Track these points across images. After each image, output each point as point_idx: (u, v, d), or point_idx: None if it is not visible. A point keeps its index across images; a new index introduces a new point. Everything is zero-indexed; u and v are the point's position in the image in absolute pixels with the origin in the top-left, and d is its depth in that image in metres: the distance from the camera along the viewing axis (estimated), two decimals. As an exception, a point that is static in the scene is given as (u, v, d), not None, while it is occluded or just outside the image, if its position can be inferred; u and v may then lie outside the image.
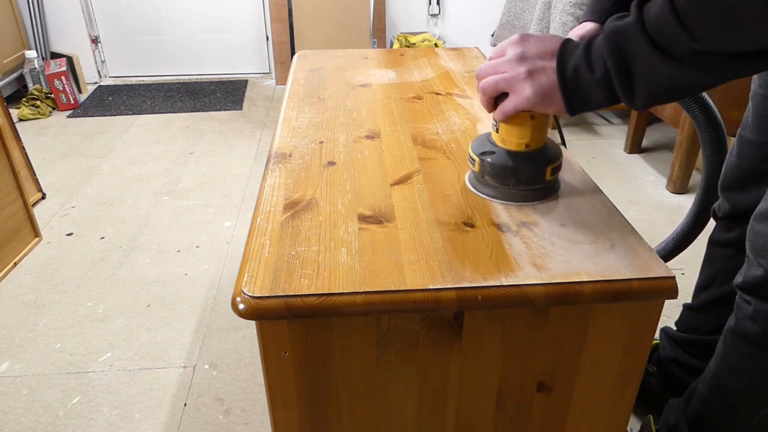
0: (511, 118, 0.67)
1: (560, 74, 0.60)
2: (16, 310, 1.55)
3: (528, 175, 0.70)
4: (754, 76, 0.93)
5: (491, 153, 0.70)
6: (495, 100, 0.67)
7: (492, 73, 0.66)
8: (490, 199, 0.72)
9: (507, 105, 0.65)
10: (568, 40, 0.62)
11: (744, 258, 0.86)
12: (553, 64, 0.61)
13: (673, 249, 1.13)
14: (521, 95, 0.63)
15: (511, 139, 0.69)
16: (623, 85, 0.56)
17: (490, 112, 0.69)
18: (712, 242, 1.10)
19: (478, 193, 0.74)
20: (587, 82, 0.59)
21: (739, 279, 0.86)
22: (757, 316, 0.83)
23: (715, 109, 0.95)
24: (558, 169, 0.72)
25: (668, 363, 1.18)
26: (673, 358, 1.17)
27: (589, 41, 0.59)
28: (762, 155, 0.93)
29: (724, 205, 1.02)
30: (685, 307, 1.18)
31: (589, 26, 0.85)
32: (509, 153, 0.69)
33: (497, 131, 0.70)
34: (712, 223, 1.10)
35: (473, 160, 0.73)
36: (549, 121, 0.70)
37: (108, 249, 1.81)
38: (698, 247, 1.15)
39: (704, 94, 0.94)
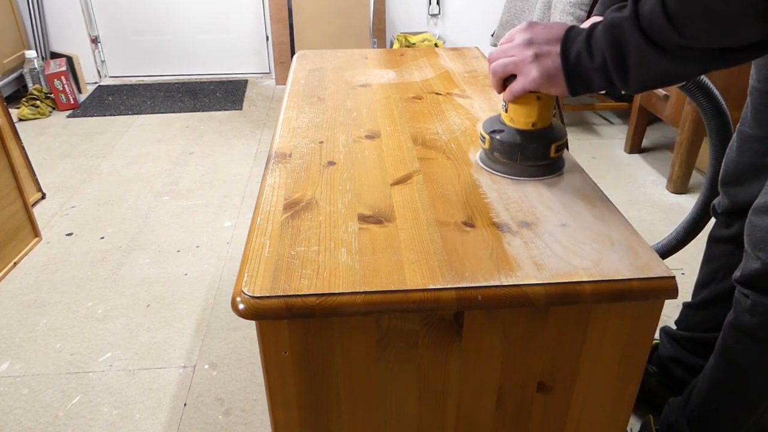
0: (519, 99, 0.73)
1: (563, 59, 0.66)
2: (16, 310, 1.55)
3: (534, 151, 0.75)
4: (752, 72, 0.94)
5: (500, 131, 0.77)
6: (504, 81, 0.73)
7: (502, 56, 0.72)
8: (499, 174, 0.78)
9: (515, 86, 0.71)
10: (572, 27, 0.67)
11: (743, 254, 0.86)
12: (558, 48, 0.66)
13: (681, 240, 1.14)
14: (528, 76, 0.69)
15: (519, 118, 0.75)
16: (618, 73, 0.62)
17: (499, 92, 0.75)
18: (712, 239, 1.10)
19: (488, 169, 0.79)
20: (587, 67, 0.64)
21: (737, 273, 0.86)
22: (755, 310, 0.83)
23: (721, 99, 0.97)
24: (562, 147, 0.77)
25: (668, 362, 1.18)
26: (673, 356, 1.17)
27: (590, 30, 0.64)
28: (761, 149, 0.93)
29: (723, 200, 1.03)
30: (685, 305, 1.18)
31: (598, 21, 0.89)
32: (517, 131, 0.75)
33: (506, 111, 0.76)
34: (712, 220, 1.10)
35: (484, 138, 0.79)
36: (555, 101, 0.76)
37: (108, 249, 1.81)
38: (698, 247, 1.15)
39: (710, 84, 0.97)
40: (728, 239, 1.04)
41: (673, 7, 0.53)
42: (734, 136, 0.99)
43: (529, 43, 0.68)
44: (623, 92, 0.67)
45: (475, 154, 0.84)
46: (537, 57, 0.68)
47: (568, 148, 0.86)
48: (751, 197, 0.90)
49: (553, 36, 0.67)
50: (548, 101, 0.73)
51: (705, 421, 0.97)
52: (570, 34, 0.66)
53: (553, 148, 0.76)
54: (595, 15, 0.90)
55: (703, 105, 0.98)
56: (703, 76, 0.98)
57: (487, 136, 0.78)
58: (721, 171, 1.01)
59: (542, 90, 0.70)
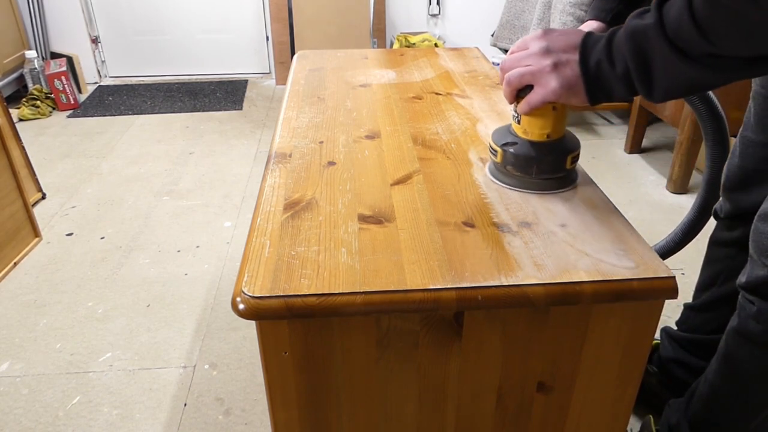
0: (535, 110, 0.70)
1: (583, 68, 0.63)
2: (16, 310, 1.55)
3: (549, 164, 0.72)
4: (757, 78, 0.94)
5: (513, 143, 0.73)
6: (518, 92, 0.70)
7: (516, 65, 0.68)
8: (512, 188, 0.75)
9: (534, 97, 0.67)
10: (590, 33, 0.64)
11: (746, 258, 0.86)
12: (577, 57, 0.63)
13: (679, 242, 1.14)
14: (548, 87, 0.65)
15: (534, 130, 0.71)
16: (642, 82, 0.59)
17: (511, 103, 0.72)
18: (714, 242, 1.09)
19: (500, 184, 0.76)
20: (609, 76, 0.61)
21: (742, 279, 0.86)
22: (760, 316, 0.83)
23: (716, 101, 0.97)
24: (577, 158, 0.74)
25: (669, 363, 1.18)
26: (674, 357, 1.17)
27: (609, 36, 0.61)
28: (765, 155, 0.93)
29: (726, 205, 1.02)
30: (686, 306, 1.18)
31: (594, 25, 0.88)
32: (532, 143, 0.72)
33: (519, 122, 0.72)
34: (712, 222, 1.10)
35: (495, 151, 0.75)
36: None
37: (108, 249, 1.81)
38: (698, 247, 1.15)
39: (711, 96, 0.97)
40: (731, 242, 1.04)
41: (702, 13, 0.50)
42: (736, 141, 0.99)
43: (547, 51, 0.65)
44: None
45: (481, 164, 0.82)
46: (556, 66, 0.64)
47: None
48: (754, 202, 0.90)
49: (570, 43, 0.64)
50: (564, 111, 0.71)
51: (706, 424, 0.97)
52: (588, 41, 0.64)
53: (569, 159, 0.73)
54: (590, 19, 0.89)
55: (698, 107, 0.97)
56: None
57: (499, 149, 0.74)
58: (723, 176, 1.01)
59: (561, 100, 0.66)
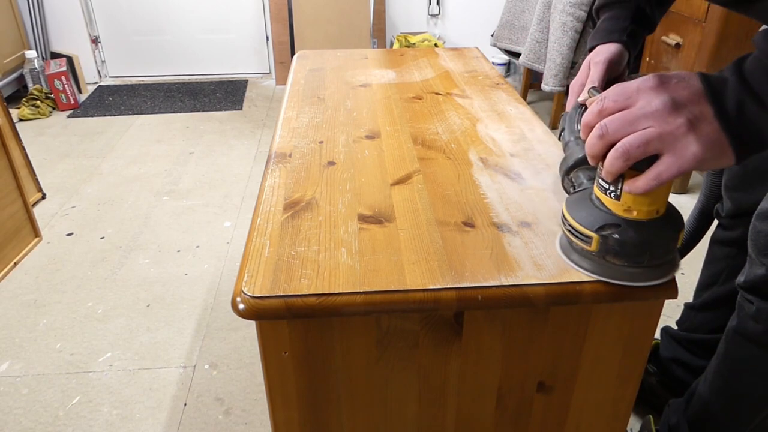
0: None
1: (721, 116, 0.49)
2: (16, 310, 1.55)
3: (663, 247, 0.57)
4: None
5: (615, 226, 0.55)
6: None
7: (630, 129, 0.50)
8: (615, 281, 0.58)
9: (667, 170, 0.50)
10: (704, 73, 0.51)
11: (746, 257, 0.86)
12: (710, 107, 0.49)
13: (680, 250, 1.13)
14: (685, 154, 0.49)
15: (642, 207, 0.54)
16: None
17: (614, 177, 0.54)
18: (715, 241, 1.10)
19: (595, 276, 0.58)
20: (757, 117, 0.48)
21: (741, 278, 0.85)
22: (759, 316, 0.83)
23: None
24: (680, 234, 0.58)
25: (669, 362, 1.18)
26: (674, 357, 1.17)
27: (738, 68, 0.50)
28: (765, 154, 0.93)
29: (727, 204, 1.02)
30: (687, 306, 1.18)
31: (613, 48, 0.77)
32: (639, 224, 0.55)
33: (617, 198, 0.55)
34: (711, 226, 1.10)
35: (586, 237, 0.57)
36: None
37: (108, 249, 1.81)
38: (699, 247, 1.15)
39: None
40: (731, 242, 1.04)
41: None
42: None
43: (673, 105, 0.49)
44: None
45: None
46: (692, 126, 0.49)
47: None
48: (755, 201, 0.90)
49: (694, 90, 0.50)
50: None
51: (706, 424, 0.97)
52: (711, 81, 0.50)
53: (681, 236, 0.57)
54: (599, 44, 0.79)
55: None
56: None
57: (594, 236, 0.56)
58: (725, 175, 1.01)
59: (705, 167, 0.51)
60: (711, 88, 0.50)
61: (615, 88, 0.53)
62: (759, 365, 0.87)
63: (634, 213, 0.55)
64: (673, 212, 0.57)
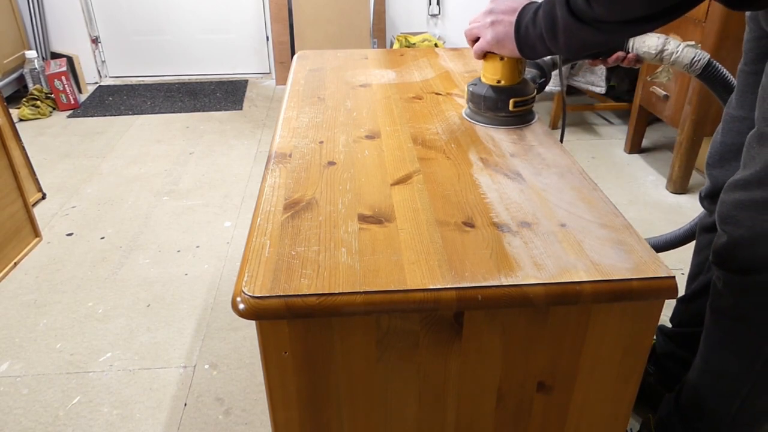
0: (488, 59, 0.91)
1: (516, 28, 0.81)
2: (16, 310, 1.55)
3: (494, 103, 0.92)
4: (743, 56, 0.95)
5: (474, 85, 0.95)
6: (474, 44, 0.89)
7: (473, 24, 0.89)
8: (471, 121, 0.96)
9: (479, 45, 0.88)
10: (530, 2, 0.81)
11: None
12: (513, 18, 0.82)
13: (679, 241, 1.14)
14: (484, 39, 0.87)
15: (488, 75, 0.93)
16: (552, 41, 0.76)
17: (476, 57, 0.92)
18: (701, 228, 1.10)
19: (466, 118, 0.97)
20: (532, 36, 0.79)
21: (711, 255, 0.86)
22: (726, 288, 0.83)
23: (730, 77, 1.01)
24: (523, 104, 0.92)
25: (664, 359, 1.18)
26: (669, 353, 1.18)
27: (538, 5, 0.78)
28: (744, 129, 0.93)
29: (706, 183, 1.03)
30: (678, 299, 1.18)
31: None
32: (485, 86, 0.93)
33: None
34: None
35: (466, 90, 0.98)
36: (522, 65, 0.91)
37: (108, 249, 1.81)
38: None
39: (729, 75, 1.03)
40: (713, 227, 1.04)
41: None
42: (722, 119, 1.00)
43: (489, 12, 0.85)
44: (560, 57, 0.91)
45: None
46: (493, 24, 0.84)
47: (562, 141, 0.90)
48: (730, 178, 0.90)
49: (510, 8, 0.82)
50: (511, 63, 0.89)
51: (694, 410, 0.96)
52: (526, 7, 0.80)
53: (511, 102, 0.91)
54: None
55: (722, 95, 1.01)
56: (717, 64, 1.00)
57: (466, 89, 0.97)
58: (707, 154, 1.02)
59: (494, 50, 0.87)
60: (522, 10, 0.81)
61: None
62: (732, 339, 0.86)
63: (486, 79, 0.93)
64: (513, 88, 0.91)
